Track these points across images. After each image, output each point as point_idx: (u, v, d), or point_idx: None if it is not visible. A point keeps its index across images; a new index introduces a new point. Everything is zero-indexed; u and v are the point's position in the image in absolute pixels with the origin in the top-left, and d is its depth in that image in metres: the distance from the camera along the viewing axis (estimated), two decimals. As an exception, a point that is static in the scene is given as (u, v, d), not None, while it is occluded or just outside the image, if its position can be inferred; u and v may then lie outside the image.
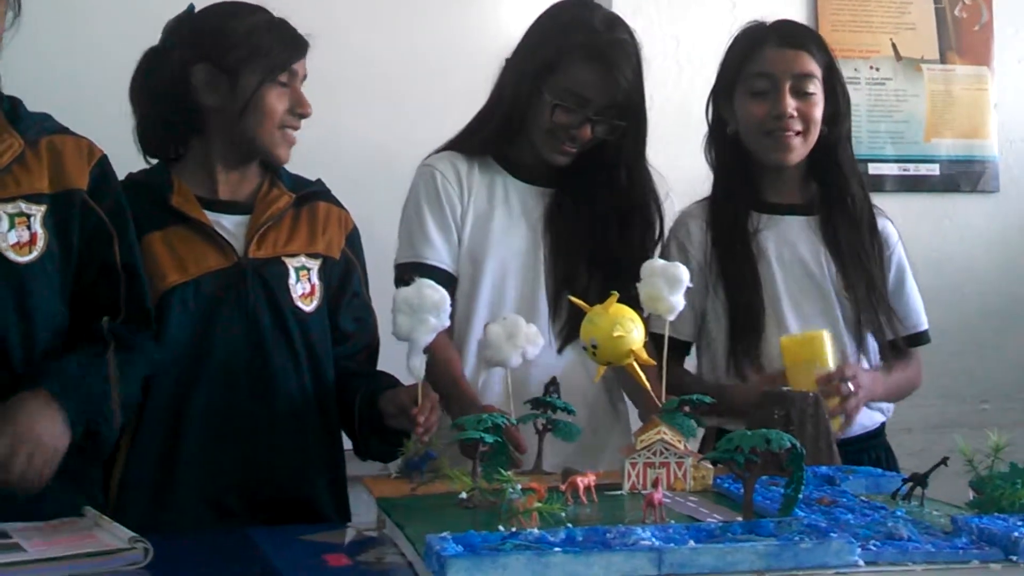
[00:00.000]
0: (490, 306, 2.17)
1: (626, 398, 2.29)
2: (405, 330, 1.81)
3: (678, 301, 1.83)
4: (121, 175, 1.94)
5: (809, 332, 2.17)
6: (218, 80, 2.01)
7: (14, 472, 1.62)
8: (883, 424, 2.32)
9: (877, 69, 3.29)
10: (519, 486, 1.38)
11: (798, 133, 2.24)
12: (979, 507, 1.45)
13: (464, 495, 1.58)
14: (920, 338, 2.38)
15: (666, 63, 3.08)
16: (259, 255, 1.99)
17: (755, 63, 2.27)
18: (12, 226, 1.72)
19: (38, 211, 1.75)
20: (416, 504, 1.63)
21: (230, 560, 1.60)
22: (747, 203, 2.30)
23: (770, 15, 2.37)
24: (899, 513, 1.47)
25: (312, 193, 2.12)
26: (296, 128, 2.04)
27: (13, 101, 1.82)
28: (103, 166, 1.85)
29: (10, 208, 1.73)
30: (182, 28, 2.04)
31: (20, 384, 1.69)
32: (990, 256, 3.40)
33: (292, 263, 2.02)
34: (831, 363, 2.10)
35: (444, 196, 2.23)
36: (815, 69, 2.26)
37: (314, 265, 2.05)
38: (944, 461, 1.57)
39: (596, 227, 2.23)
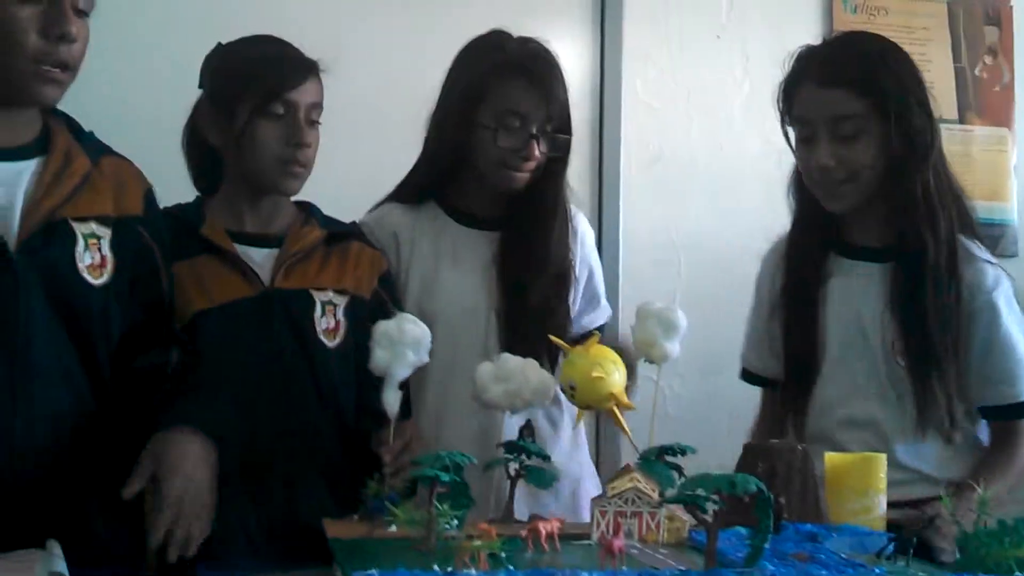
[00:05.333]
0: (443, 357, 2.08)
1: None
2: (383, 364, 1.76)
3: (673, 348, 1.76)
4: None
5: (862, 453, 1.87)
6: (217, 117, 2.00)
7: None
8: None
9: (894, 128, 3.20)
10: (455, 521, 1.30)
11: (843, 181, 2.02)
12: (964, 566, 1.35)
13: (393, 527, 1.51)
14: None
15: (676, 113, 3.02)
16: (285, 286, 1.96)
17: (795, 105, 2.08)
18: (87, 247, 1.67)
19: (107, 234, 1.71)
20: (369, 546, 1.54)
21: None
22: (824, 244, 2.11)
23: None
24: (878, 571, 1.37)
25: (345, 232, 2.09)
26: (298, 160, 1.98)
27: (68, 117, 1.77)
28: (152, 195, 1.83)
29: (84, 228, 1.68)
30: (202, 67, 2.04)
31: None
32: (1009, 323, 3.28)
33: (319, 296, 1.98)
34: (884, 488, 1.78)
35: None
36: (856, 107, 2.00)
37: (341, 302, 2.00)
38: (932, 519, 1.47)
39: (541, 266, 2.19)
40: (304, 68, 2.00)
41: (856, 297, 2.08)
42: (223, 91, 2.01)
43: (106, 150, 1.79)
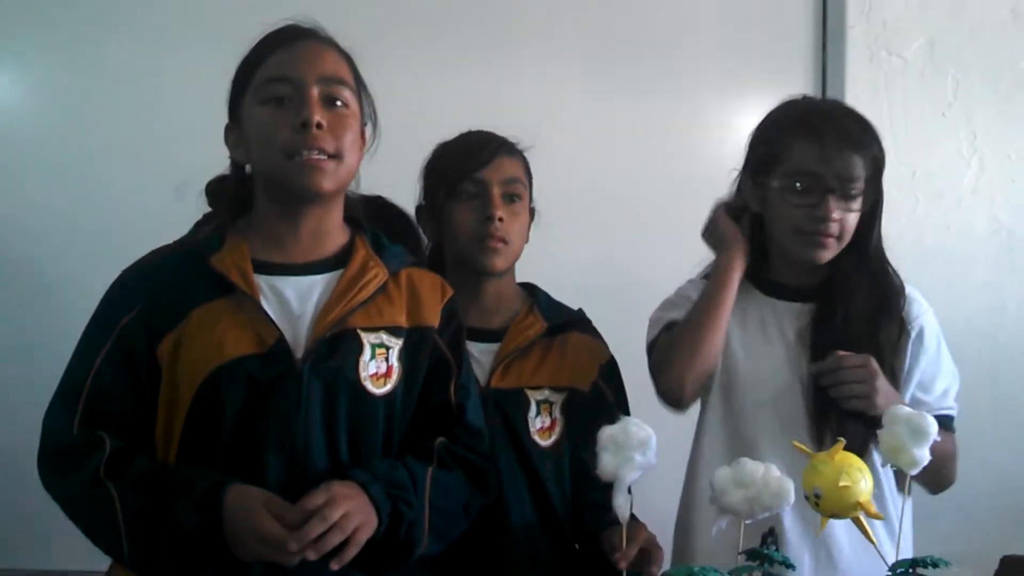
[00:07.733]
0: (744, 432, 2.03)
1: None
2: (611, 469, 1.74)
3: (923, 455, 1.67)
4: None
5: None
6: (430, 214, 2.06)
7: (327, 520, 1.54)
8: None
9: None
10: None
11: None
12: None
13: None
14: None
15: (900, 195, 2.93)
16: (502, 385, 1.96)
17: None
18: (373, 356, 1.71)
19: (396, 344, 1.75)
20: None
21: None
22: None
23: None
24: None
25: (567, 323, 2.06)
26: (493, 234, 1.98)
27: (376, 232, 1.84)
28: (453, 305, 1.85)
29: (373, 338, 1.72)
30: None
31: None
32: None
33: (535, 395, 1.97)
34: None
35: None
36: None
37: (558, 399, 1.99)
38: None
39: (854, 341, 2.00)
40: (493, 146, 2.02)
41: None
42: (426, 185, 2.07)
43: (409, 262, 1.83)
